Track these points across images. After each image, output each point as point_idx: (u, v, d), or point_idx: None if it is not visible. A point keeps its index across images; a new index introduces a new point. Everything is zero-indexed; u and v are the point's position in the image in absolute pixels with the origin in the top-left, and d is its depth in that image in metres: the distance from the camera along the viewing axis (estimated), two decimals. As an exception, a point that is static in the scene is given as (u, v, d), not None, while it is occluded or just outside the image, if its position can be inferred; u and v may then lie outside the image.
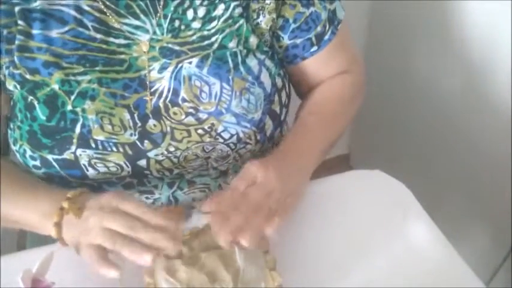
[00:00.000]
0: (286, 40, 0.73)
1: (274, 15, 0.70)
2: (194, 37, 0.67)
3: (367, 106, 0.83)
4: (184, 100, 0.66)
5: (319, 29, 0.73)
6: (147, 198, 0.73)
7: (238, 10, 0.68)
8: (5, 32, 0.62)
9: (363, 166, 0.78)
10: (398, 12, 1.32)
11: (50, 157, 0.65)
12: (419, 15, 1.25)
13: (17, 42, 0.62)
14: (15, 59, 0.63)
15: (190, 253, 0.59)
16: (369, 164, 0.79)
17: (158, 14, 0.66)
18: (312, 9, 0.72)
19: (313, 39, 0.74)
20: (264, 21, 0.70)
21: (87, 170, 0.66)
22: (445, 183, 1.30)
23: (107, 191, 0.61)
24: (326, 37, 0.74)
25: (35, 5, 0.62)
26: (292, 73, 0.77)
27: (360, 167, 0.82)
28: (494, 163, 1.11)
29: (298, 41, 0.73)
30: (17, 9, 0.62)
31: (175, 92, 0.66)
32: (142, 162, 0.67)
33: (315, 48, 0.74)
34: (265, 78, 0.69)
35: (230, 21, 0.67)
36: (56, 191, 0.63)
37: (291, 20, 0.72)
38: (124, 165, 0.67)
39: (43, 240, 0.64)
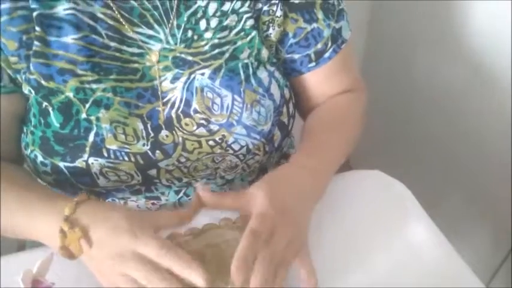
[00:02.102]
0: (284, 54, 0.73)
1: (283, 28, 0.70)
2: (206, 47, 0.67)
3: (367, 106, 0.83)
4: (196, 111, 0.66)
5: (319, 46, 0.73)
6: (153, 204, 0.73)
7: (250, 22, 0.68)
8: (24, 37, 0.62)
9: (363, 166, 0.78)
10: (398, 13, 1.33)
11: (61, 164, 0.64)
12: (419, 16, 1.25)
13: (33, 48, 0.62)
14: (30, 64, 0.62)
15: (189, 252, 0.58)
16: (369, 164, 0.79)
17: (170, 24, 0.66)
18: (314, 25, 0.71)
19: (312, 55, 0.73)
20: (274, 33, 0.70)
21: (98, 178, 0.66)
22: (445, 183, 1.30)
23: (112, 203, 0.58)
24: (326, 55, 0.73)
25: (52, 11, 0.62)
26: (292, 86, 0.76)
27: (359, 167, 0.82)
28: (494, 163, 1.11)
29: (296, 56, 0.73)
30: (35, 14, 0.62)
31: (188, 103, 0.66)
32: (153, 172, 0.67)
33: (313, 64, 0.74)
34: (274, 90, 0.69)
35: (242, 33, 0.68)
36: (52, 209, 0.58)
37: (290, 35, 0.71)
38: (134, 174, 0.67)
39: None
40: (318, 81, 0.76)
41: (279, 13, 0.69)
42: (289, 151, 0.86)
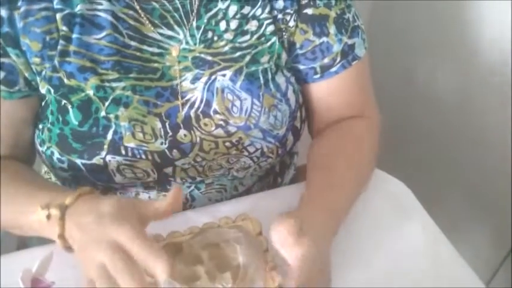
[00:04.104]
0: (289, 62, 0.72)
1: (292, 38, 0.70)
2: (226, 48, 0.67)
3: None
4: (215, 112, 0.66)
5: (326, 60, 0.71)
6: (164, 195, 0.73)
7: (271, 28, 0.68)
8: (47, 38, 0.63)
9: (363, 166, 0.78)
10: (399, 14, 1.32)
11: (78, 161, 0.65)
12: (420, 17, 1.25)
13: (59, 47, 0.63)
14: (56, 63, 0.63)
15: (189, 251, 0.59)
16: (369, 163, 0.79)
17: (190, 25, 0.66)
18: (324, 39, 0.70)
19: (318, 69, 0.72)
20: (286, 41, 0.70)
21: (114, 175, 0.66)
22: (445, 183, 1.30)
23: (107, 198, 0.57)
24: (333, 69, 0.71)
25: (76, 9, 0.63)
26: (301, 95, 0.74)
27: (360, 166, 0.81)
28: (495, 163, 1.11)
29: (301, 67, 0.72)
30: (59, 15, 0.62)
31: (208, 103, 0.66)
32: (169, 170, 0.68)
33: (318, 76, 0.72)
34: (291, 95, 0.70)
35: (263, 39, 0.68)
36: (55, 198, 0.57)
37: (297, 45, 0.71)
38: (151, 172, 0.67)
39: (45, 239, 0.64)
40: (324, 95, 0.74)
41: (291, 23, 0.69)
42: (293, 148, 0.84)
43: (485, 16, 1.06)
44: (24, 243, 0.82)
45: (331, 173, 0.68)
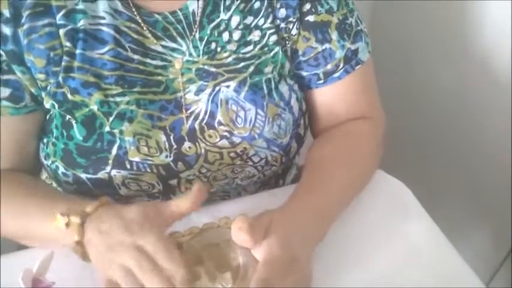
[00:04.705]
0: (292, 69, 0.72)
1: (294, 46, 0.70)
2: (230, 59, 0.67)
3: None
4: (220, 123, 0.66)
5: (329, 67, 0.71)
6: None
7: (274, 38, 0.68)
8: (51, 54, 0.62)
9: (363, 166, 0.78)
10: (399, 14, 1.32)
11: (83, 176, 0.65)
12: (420, 17, 1.24)
13: (63, 63, 0.63)
14: (60, 79, 0.63)
15: (189, 251, 0.59)
16: (369, 163, 0.79)
17: (193, 36, 0.66)
18: (326, 46, 0.70)
19: (321, 75, 0.71)
20: (289, 50, 0.70)
21: (120, 189, 0.66)
22: (445, 183, 1.30)
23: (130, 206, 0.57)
24: (336, 75, 0.71)
25: (79, 25, 0.63)
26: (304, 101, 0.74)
27: (360, 166, 0.81)
28: (495, 163, 1.11)
29: (304, 73, 0.72)
30: (62, 31, 0.62)
31: (212, 115, 0.66)
32: (174, 182, 0.68)
33: (321, 81, 0.72)
34: (294, 103, 0.70)
35: (266, 49, 0.68)
36: (74, 207, 0.58)
37: (300, 52, 0.70)
38: (156, 184, 0.67)
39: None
40: (328, 100, 0.74)
41: (294, 32, 0.69)
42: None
43: (486, 16, 1.06)
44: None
45: (324, 173, 0.67)
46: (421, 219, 0.69)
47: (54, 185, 0.75)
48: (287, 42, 0.69)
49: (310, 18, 0.69)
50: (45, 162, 0.68)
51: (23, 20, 0.61)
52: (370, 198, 0.71)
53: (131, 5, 0.65)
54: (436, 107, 1.26)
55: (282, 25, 0.68)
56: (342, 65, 0.71)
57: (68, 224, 0.56)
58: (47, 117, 0.67)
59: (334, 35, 0.70)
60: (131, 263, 0.51)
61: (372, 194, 0.71)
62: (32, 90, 0.65)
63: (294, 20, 0.68)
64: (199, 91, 0.66)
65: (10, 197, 0.64)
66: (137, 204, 0.56)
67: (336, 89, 0.72)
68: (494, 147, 1.10)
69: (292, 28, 0.69)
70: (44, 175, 0.83)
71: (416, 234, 0.67)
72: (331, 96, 0.73)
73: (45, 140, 0.67)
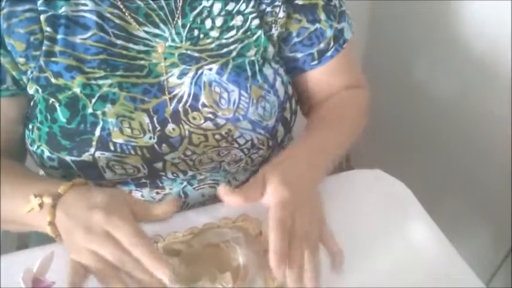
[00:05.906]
0: (286, 52, 0.75)
1: (285, 28, 0.72)
2: (213, 45, 0.68)
3: (368, 106, 0.83)
4: (204, 105, 0.67)
5: (322, 45, 0.75)
6: (157, 193, 0.74)
7: (256, 22, 0.69)
8: (31, 38, 0.63)
9: (363, 166, 0.78)
10: (399, 14, 1.33)
11: (68, 158, 0.65)
12: (420, 17, 1.25)
13: (43, 48, 0.63)
14: (42, 63, 0.64)
15: (189, 251, 0.59)
16: (369, 164, 0.79)
17: (175, 22, 0.67)
18: (317, 25, 0.73)
19: (315, 54, 0.75)
20: (276, 33, 0.71)
21: (104, 172, 0.67)
22: (445, 183, 1.30)
23: (103, 189, 0.59)
24: (328, 53, 0.75)
25: (60, 11, 0.64)
26: (294, 84, 0.77)
27: (360, 166, 0.82)
28: (494, 163, 1.11)
29: (299, 55, 0.75)
30: (43, 16, 0.63)
31: (196, 97, 0.67)
32: (159, 165, 0.68)
33: (315, 62, 0.76)
34: (279, 86, 0.71)
35: (248, 33, 0.69)
36: (48, 187, 0.59)
37: (294, 34, 0.73)
38: (141, 167, 0.68)
39: (46, 239, 0.64)
40: (321, 79, 0.78)
41: (281, 14, 0.71)
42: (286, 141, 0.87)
43: (485, 16, 1.06)
44: (24, 243, 0.82)
45: (323, 120, 0.75)
46: (421, 219, 0.69)
47: (41, 173, 0.75)
48: (273, 25, 0.71)
49: (299, 1, 0.72)
50: (31, 148, 0.68)
51: (3, 4, 0.62)
52: (370, 197, 0.71)
53: None
54: (436, 106, 1.26)
55: (268, 9, 0.70)
56: (332, 44, 0.75)
57: (41, 205, 0.57)
58: (31, 103, 0.68)
59: (322, 16, 0.73)
60: (105, 252, 0.52)
61: (372, 194, 0.72)
62: (14, 73, 0.65)
63: (280, 4, 0.70)
64: (182, 75, 0.67)
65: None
66: (106, 188, 0.58)
67: (328, 67, 0.77)
68: (495, 147, 1.10)
69: (279, 11, 0.70)
70: (40, 172, 0.83)
71: (416, 234, 0.67)
72: (324, 75, 0.77)
73: (30, 126, 0.68)
